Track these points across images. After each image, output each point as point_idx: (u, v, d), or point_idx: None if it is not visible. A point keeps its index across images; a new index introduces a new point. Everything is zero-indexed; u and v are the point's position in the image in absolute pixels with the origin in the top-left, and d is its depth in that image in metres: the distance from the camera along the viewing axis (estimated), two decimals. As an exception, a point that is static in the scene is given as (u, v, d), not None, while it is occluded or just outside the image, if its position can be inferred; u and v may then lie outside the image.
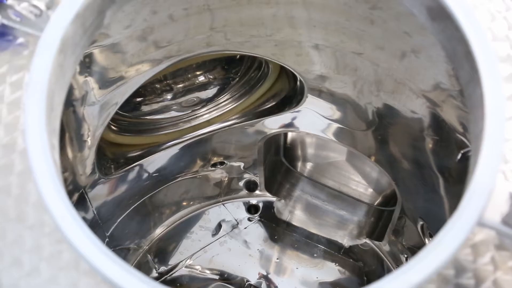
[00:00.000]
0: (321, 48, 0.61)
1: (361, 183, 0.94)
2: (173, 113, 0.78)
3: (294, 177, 0.96)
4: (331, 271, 0.93)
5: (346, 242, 0.93)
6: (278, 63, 0.66)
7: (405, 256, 0.83)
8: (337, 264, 0.93)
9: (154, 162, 0.78)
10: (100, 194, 0.71)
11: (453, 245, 0.34)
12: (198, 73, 0.78)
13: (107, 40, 0.51)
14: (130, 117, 0.74)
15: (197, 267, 0.94)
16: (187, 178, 0.87)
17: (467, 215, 0.34)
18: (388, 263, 0.88)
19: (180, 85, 0.78)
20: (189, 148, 0.80)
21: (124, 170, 0.73)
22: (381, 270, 0.90)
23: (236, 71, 0.78)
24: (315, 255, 0.94)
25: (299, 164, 0.96)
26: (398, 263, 0.86)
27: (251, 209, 0.97)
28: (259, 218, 0.97)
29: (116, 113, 0.69)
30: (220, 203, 0.96)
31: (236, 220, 0.96)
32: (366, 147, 0.77)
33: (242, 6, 0.55)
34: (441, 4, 0.38)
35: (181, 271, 0.94)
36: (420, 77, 0.56)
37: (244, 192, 0.96)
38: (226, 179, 0.93)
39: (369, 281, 0.91)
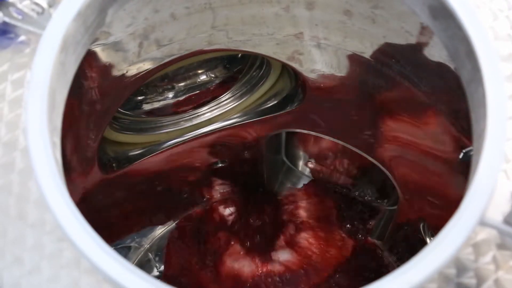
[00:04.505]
0: (323, 47, 0.61)
1: (361, 181, 0.94)
2: (174, 112, 0.78)
3: (296, 176, 0.96)
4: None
5: (347, 241, 0.93)
6: (279, 61, 0.66)
7: (406, 255, 0.83)
8: (338, 263, 0.93)
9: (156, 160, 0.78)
10: (101, 192, 0.71)
11: (455, 245, 0.34)
12: (199, 71, 0.78)
13: (108, 39, 0.51)
14: (131, 115, 0.74)
15: (198, 265, 0.94)
16: (188, 176, 0.87)
17: (468, 214, 0.34)
18: (389, 262, 0.88)
19: (182, 84, 0.78)
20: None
21: (126, 168, 0.73)
22: (382, 269, 0.90)
23: (237, 69, 0.78)
24: (316, 253, 0.94)
25: (300, 163, 0.96)
26: (399, 262, 0.86)
27: (252, 207, 0.97)
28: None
29: (118, 111, 0.69)
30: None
31: (237, 219, 0.96)
32: (367, 146, 0.76)
33: (244, 5, 0.55)
34: (443, 3, 0.38)
35: (182, 270, 0.93)
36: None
37: (246, 191, 0.96)
38: (228, 177, 0.93)
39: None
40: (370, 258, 0.90)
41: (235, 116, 0.78)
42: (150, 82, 0.73)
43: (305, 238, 0.92)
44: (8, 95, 0.43)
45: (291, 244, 0.91)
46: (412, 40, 0.51)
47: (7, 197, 0.40)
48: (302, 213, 0.94)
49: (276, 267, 0.90)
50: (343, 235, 0.92)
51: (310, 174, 0.96)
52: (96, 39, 0.49)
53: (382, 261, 0.89)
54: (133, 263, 0.88)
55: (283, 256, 0.91)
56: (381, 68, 0.59)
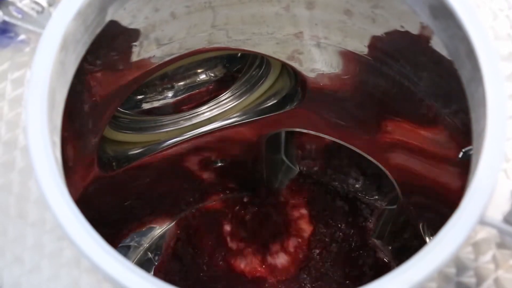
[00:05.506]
0: (323, 46, 0.61)
1: (360, 181, 0.94)
2: (174, 111, 0.78)
3: (295, 175, 0.96)
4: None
5: (346, 240, 0.93)
6: (279, 61, 0.66)
7: (406, 254, 0.83)
8: (337, 262, 0.93)
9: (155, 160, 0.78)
10: (101, 191, 0.71)
11: (455, 244, 0.34)
12: (199, 71, 0.78)
13: (108, 38, 0.51)
14: (131, 114, 0.74)
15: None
16: (188, 176, 0.87)
17: (468, 213, 0.34)
18: (389, 261, 0.88)
19: (181, 83, 0.78)
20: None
21: (126, 167, 0.73)
22: (381, 268, 0.90)
23: (237, 69, 0.78)
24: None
25: (300, 162, 0.96)
26: (398, 262, 0.86)
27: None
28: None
29: (117, 110, 0.69)
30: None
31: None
32: (367, 145, 0.77)
33: (244, 4, 0.55)
34: (444, 3, 0.39)
35: (181, 269, 0.94)
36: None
37: (245, 190, 0.96)
38: (227, 177, 0.93)
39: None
40: (370, 257, 0.90)
41: (234, 115, 0.78)
42: (149, 81, 0.73)
43: (304, 238, 0.92)
44: (8, 94, 0.43)
45: (290, 243, 0.92)
46: (412, 40, 0.51)
47: (7, 196, 0.40)
48: (301, 213, 0.94)
49: (275, 266, 0.90)
50: (342, 234, 0.92)
51: (309, 174, 0.96)
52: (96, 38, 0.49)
53: (381, 260, 0.89)
54: (132, 262, 0.88)
55: (281, 255, 0.91)
56: (380, 67, 0.59)
